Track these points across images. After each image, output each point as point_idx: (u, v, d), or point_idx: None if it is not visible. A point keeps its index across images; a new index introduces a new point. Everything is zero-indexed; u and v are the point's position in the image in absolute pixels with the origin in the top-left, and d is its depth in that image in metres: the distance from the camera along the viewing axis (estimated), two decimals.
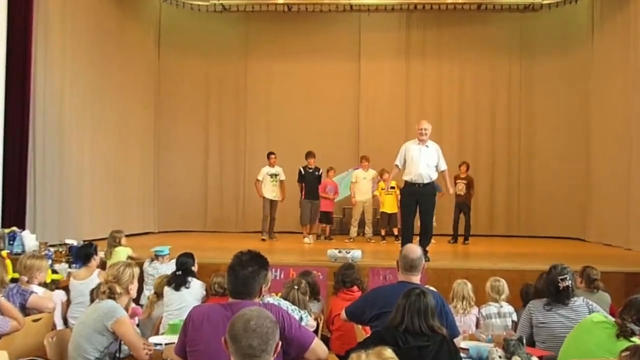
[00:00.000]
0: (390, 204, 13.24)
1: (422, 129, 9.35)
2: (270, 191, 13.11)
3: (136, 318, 6.03)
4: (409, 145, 9.51)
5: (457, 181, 13.20)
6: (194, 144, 15.98)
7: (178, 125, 15.79)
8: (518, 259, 10.10)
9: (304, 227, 13.03)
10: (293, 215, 13.73)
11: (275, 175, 13.16)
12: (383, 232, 13.38)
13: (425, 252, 8.95)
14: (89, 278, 6.86)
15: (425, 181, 9.25)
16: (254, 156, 15.46)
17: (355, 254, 8.98)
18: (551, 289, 4.85)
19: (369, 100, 15.90)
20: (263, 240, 12.76)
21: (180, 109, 15.78)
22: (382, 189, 13.28)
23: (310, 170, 13.11)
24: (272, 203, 13.11)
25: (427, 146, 9.40)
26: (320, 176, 13.23)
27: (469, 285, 6.37)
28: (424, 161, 9.29)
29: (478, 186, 15.13)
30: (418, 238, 9.46)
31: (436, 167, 9.35)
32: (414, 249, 4.51)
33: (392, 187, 13.18)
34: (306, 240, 12.74)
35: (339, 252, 9.01)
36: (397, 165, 9.54)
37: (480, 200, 15.30)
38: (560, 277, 4.84)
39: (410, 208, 9.37)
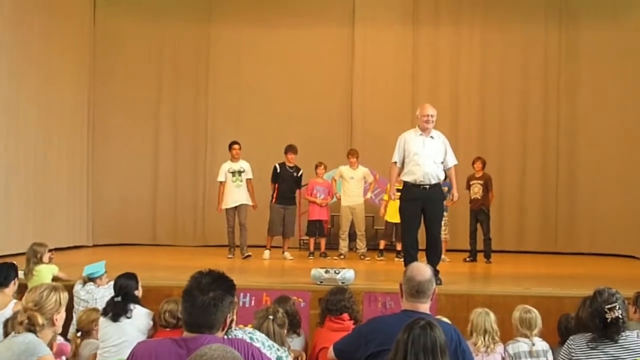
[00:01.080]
0: (397, 211, 13.28)
1: (427, 116, 9.32)
2: (233, 194, 12.97)
3: (63, 357, 6.00)
4: (409, 137, 9.50)
5: (472, 182, 13.24)
6: (140, 134, 15.92)
7: (119, 110, 15.71)
8: (555, 282, 10.15)
9: (268, 239, 13.07)
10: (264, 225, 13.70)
11: (240, 172, 13.03)
12: (382, 245, 13.45)
13: (435, 272, 9.00)
14: (2, 310, 6.78)
15: (433, 182, 9.30)
16: (217, 149, 15.42)
17: (347, 274, 8.99)
18: (596, 322, 4.86)
19: (366, 78, 15.92)
20: (230, 258, 12.75)
21: (122, 90, 15.69)
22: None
23: (289, 169, 13.10)
24: (239, 209, 13.03)
25: (432, 137, 9.41)
26: (300, 178, 13.23)
27: (492, 316, 6.38)
28: (429, 157, 9.31)
29: (505, 189, 15.19)
30: (425, 256, 9.50)
31: (442, 163, 9.40)
32: (422, 268, 4.50)
33: (399, 190, 13.18)
34: (265, 254, 12.80)
35: (326, 272, 9.01)
36: (395, 164, 9.55)
37: (507, 207, 15.37)
38: (607, 306, 4.84)
39: (413, 217, 9.40)
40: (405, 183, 9.42)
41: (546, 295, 8.53)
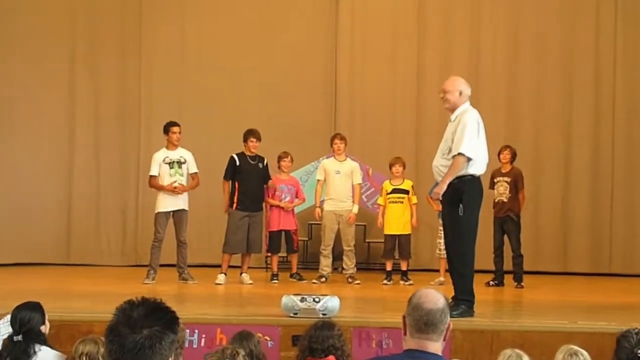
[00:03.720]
0: (399, 219, 13.38)
1: (439, 92, 9.78)
2: (168, 194, 12.85)
3: None
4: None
5: (496, 179, 13.24)
6: (47, 115, 15.83)
7: (18, 84, 15.60)
8: (611, 313, 10.16)
9: (225, 257, 12.98)
10: (218, 238, 13.68)
11: (179, 163, 12.93)
12: (389, 267, 13.43)
13: (460, 300, 9.03)
14: None
15: (440, 179, 9.56)
16: (154, 135, 15.32)
17: (330, 303, 8.97)
18: None
19: (355, 40, 15.94)
20: (147, 284, 12.61)
21: (22, 57, 15.61)
22: (387, 193, 13.36)
23: (252, 161, 13.03)
24: (176, 217, 12.92)
25: (450, 120, 9.65)
26: (266, 170, 13.18)
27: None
28: (440, 145, 9.66)
29: (541, 190, 15.26)
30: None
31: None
32: (432, 295, 4.48)
33: (402, 191, 13.17)
34: (219, 279, 12.76)
35: (302, 300, 8.98)
36: None
37: (544, 213, 15.46)
38: None
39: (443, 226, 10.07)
40: None
41: (599, 331, 8.49)
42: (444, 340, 4.45)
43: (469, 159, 9.35)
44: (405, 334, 4.48)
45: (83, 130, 16.01)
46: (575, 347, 6.43)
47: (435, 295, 4.50)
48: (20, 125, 15.62)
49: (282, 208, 13.33)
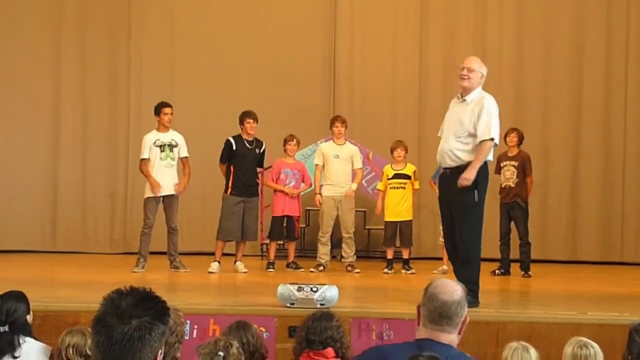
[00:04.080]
0: (400, 206, 13.35)
1: (461, 69, 9.57)
2: (159, 178, 12.75)
3: None
4: (452, 102, 9.82)
5: (503, 164, 13.25)
6: (34, 102, 15.83)
7: (3, 68, 15.64)
8: (622, 304, 10.15)
9: (219, 244, 12.97)
10: (211, 224, 13.70)
11: (171, 146, 12.89)
12: (390, 255, 13.42)
13: (470, 291, 9.01)
14: None
15: (452, 164, 9.45)
16: (144, 118, 15.29)
17: (328, 293, 8.93)
18: None
19: (355, 20, 15.92)
20: (136, 272, 12.60)
21: (8, 39, 15.65)
22: (388, 178, 13.32)
23: (249, 144, 13.00)
24: (167, 202, 12.90)
25: (464, 100, 9.54)
26: (263, 155, 13.18)
27: (534, 352, 6.34)
28: (449, 128, 9.54)
29: (550, 175, 15.27)
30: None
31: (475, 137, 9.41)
32: (450, 286, 4.48)
33: (404, 176, 13.13)
34: (213, 267, 12.75)
35: (299, 289, 8.95)
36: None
37: (553, 200, 15.47)
38: None
39: (443, 213, 9.83)
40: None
41: (610, 323, 8.48)
42: (459, 334, 4.42)
43: (495, 145, 9.49)
44: (418, 323, 4.46)
45: (70, 112, 16.02)
46: (585, 339, 6.41)
47: (453, 286, 4.50)
48: (3, 107, 15.63)
49: (287, 193, 13.30)
